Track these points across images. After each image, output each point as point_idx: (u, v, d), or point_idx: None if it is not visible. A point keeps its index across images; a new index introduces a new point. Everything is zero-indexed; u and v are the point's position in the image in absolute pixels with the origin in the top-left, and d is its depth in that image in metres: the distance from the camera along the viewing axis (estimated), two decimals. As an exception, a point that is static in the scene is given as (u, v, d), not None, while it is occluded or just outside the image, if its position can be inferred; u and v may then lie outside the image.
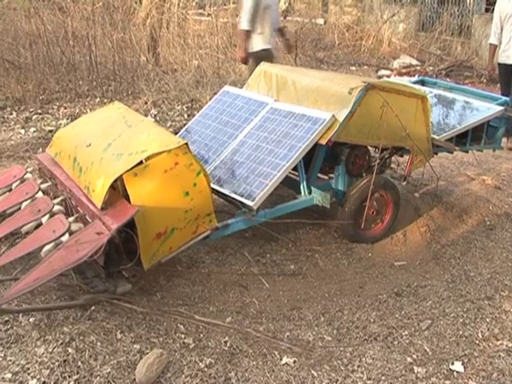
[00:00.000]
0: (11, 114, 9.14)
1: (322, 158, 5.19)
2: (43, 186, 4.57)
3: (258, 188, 4.53)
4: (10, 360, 3.25)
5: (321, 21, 17.35)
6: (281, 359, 3.53)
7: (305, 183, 5.05)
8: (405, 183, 5.74)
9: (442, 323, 4.05)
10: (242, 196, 4.58)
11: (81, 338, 3.46)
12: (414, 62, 14.60)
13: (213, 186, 4.65)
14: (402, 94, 5.07)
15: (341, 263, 5.02)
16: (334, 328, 4.01)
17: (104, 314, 3.78)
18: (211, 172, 4.92)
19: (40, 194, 4.45)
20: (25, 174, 4.77)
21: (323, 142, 4.73)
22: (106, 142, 4.34)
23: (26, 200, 4.43)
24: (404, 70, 13.77)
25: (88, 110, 9.21)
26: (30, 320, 3.63)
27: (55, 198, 4.41)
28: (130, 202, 3.87)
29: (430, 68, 13.96)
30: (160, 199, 3.91)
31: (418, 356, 3.68)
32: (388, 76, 13.34)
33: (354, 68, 14.12)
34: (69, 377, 3.15)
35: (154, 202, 3.87)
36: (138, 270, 4.03)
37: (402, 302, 4.37)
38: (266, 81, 5.68)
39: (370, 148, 5.36)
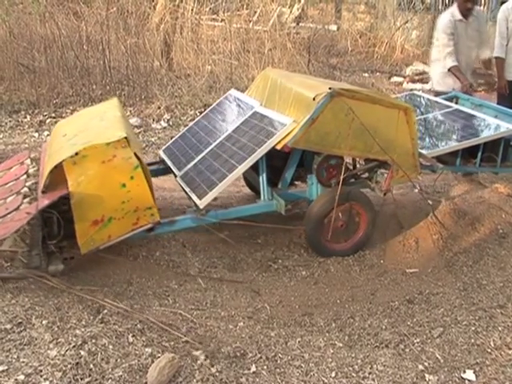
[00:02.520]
0: (25, 117, 9.22)
1: (295, 164, 5.12)
2: (31, 171, 4.80)
3: (210, 188, 4.62)
4: (23, 362, 3.26)
5: (334, 27, 17.35)
6: (291, 365, 3.53)
7: (265, 188, 4.99)
8: (385, 194, 5.45)
9: (453, 331, 4.02)
10: (196, 195, 4.68)
11: (93, 340, 3.47)
12: (427, 68, 14.54)
13: (181, 183, 4.96)
14: (378, 104, 4.83)
15: (352, 270, 5.01)
16: (345, 334, 4.00)
17: (116, 317, 3.80)
18: (189, 170, 5.05)
19: (24, 177, 4.67)
20: (26, 159, 5.01)
21: (279, 147, 4.69)
22: (74, 133, 4.67)
23: (12, 181, 4.70)
24: (417, 77, 13.75)
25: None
26: (43, 322, 3.65)
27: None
28: None
29: (443, 75, 13.89)
30: (96, 188, 4.15)
31: (429, 364, 3.65)
32: (401, 83, 13.36)
33: (366, 75, 14.10)
34: (81, 379, 3.15)
35: (90, 190, 4.12)
36: (77, 254, 4.27)
37: (413, 310, 4.36)
38: (263, 85, 5.70)
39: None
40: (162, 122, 9.33)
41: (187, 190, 4.85)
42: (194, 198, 4.68)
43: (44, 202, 4.07)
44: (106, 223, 4.20)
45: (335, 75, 12.75)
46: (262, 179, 4.99)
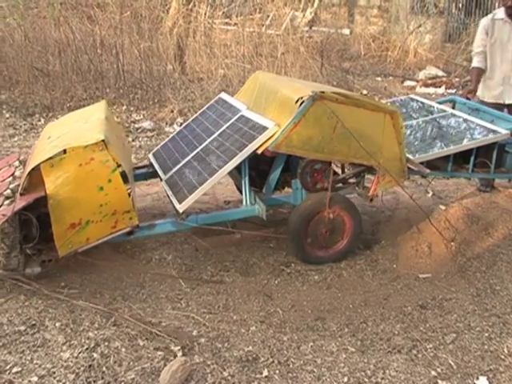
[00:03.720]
0: (39, 120, 9.28)
1: (279, 169, 5.04)
2: (17, 173, 4.78)
3: (190, 192, 4.59)
4: (37, 363, 3.29)
5: (347, 31, 17.35)
6: (303, 369, 3.53)
7: (247, 192, 4.94)
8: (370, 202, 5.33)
9: (467, 337, 4.00)
10: (176, 199, 4.65)
11: (106, 343, 3.49)
12: (440, 73, 14.54)
13: (165, 186, 4.93)
14: (362, 107, 4.72)
15: (365, 274, 5.00)
16: (357, 339, 3.99)
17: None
18: (173, 173, 5.03)
19: (9, 179, 4.67)
20: (15, 161, 4.98)
21: (260, 151, 4.64)
22: (57, 136, 4.70)
23: None
24: (430, 81, 13.72)
25: (115, 118, 9.29)
26: (56, 324, 3.68)
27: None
28: None
29: (456, 79, 13.87)
30: (74, 191, 4.15)
31: (442, 370, 3.64)
32: (414, 87, 13.33)
33: (379, 79, 14.09)
34: (94, 382, 3.17)
35: (67, 193, 4.13)
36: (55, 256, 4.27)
37: (426, 315, 4.33)
38: (252, 88, 5.65)
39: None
40: (174, 126, 9.36)
41: (169, 193, 4.81)
42: (174, 201, 4.64)
43: (20, 204, 4.08)
44: (84, 226, 4.20)
45: (348, 79, 12.73)
46: (245, 183, 4.93)
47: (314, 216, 4.92)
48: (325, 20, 17.85)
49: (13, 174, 4.65)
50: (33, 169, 4.23)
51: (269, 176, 5.08)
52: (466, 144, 5.37)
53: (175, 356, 3.44)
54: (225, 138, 5.03)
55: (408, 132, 5.84)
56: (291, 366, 3.54)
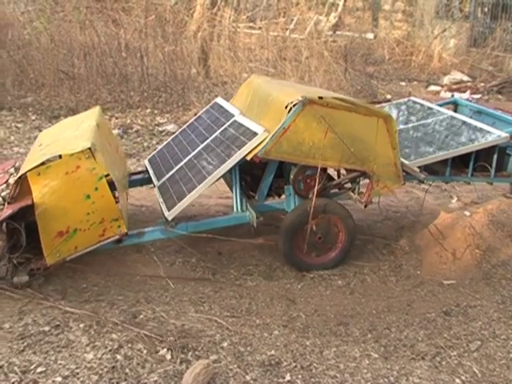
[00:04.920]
0: (64, 123, 9.32)
1: (272, 175, 4.99)
2: (11, 180, 4.77)
3: (179, 199, 4.57)
4: (60, 364, 3.31)
5: (370, 35, 17.28)
6: (326, 374, 3.51)
7: (238, 199, 4.89)
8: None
9: (491, 345, 3.97)
10: (166, 206, 4.64)
11: (129, 345, 3.50)
12: (465, 78, 14.42)
13: (157, 193, 4.92)
14: (354, 112, 4.63)
15: (389, 280, 4.97)
16: (381, 345, 3.97)
17: (152, 322, 3.83)
18: (166, 180, 5.01)
19: (3, 186, 4.67)
20: (10, 168, 4.99)
21: (249, 157, 4.59)
22: (47, 143, 4.71)
23: None
24: (454, 86, 13.62)
25: (139, 121, 9.36)
26: (80, 325, 3.70)
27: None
28: None
29: (481, 84, 13.75)
30: (61, 199, 4.15)
31: (466, 378, 3.61)
32: (438, 92, 13.25)
33: (403, 83, 14.02)
34: (117, 383, 3.18)
35: (54, 202, 4.13)
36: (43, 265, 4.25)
37: (450, 322, 4.31)
38: (247, 93, 5.59)
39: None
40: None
41: (160, 200, 4.80)
42: (164, 209, 4.63)
43: (5, 213, 4.09)
44: (72, 234, 4.20)
45: (372, 84, 12.68)
46: (235, 190, 4.89)
47: (308, 223, 4.82)
48: (349, 24, 17.79)
49: (6, 182, 4.65)
50: (20, 177, 4.24)
51: (261, 182, 5.03)
52: (464, 148, 5.28)
53: (198, 359, 3.44)
54: (217, 143, 4.99)
55: (404, 135, 5.77)
56: (314, 370, 3.53)
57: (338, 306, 4.53)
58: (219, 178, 4.73)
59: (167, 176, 5.06)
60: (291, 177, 4.87)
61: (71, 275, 4.53)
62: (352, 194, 5.11)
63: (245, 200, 4.95)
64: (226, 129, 5.11)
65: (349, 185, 5.22)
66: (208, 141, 5.13)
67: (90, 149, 4.18)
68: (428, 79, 14.47)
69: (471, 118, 6.01)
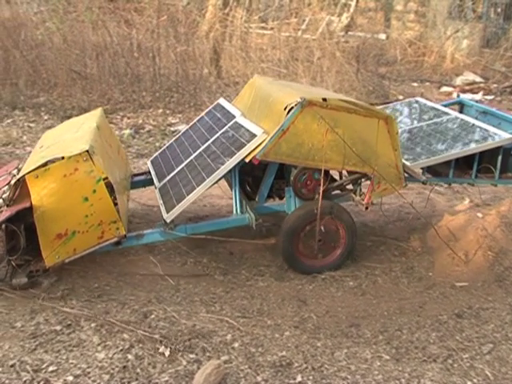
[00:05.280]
0: (77, 122, 9.35)
1: (272, 176, 4.96)
2: (12, 182, 4.76)
3: (178, 202, 4.56)
4: (72, 363, 3.33)
5: (383, 36, 17.23)
6: (337, 376, 3.50)
7: (237, 201, 4.85)
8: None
9: (504, 348, 3.94)
10: (165, 208, 4.63)
11: (140, 345, 3.52)
12: (478, 79, 14.36)
13: (157, 195, 4.92)
14: (354, 113, 4.59)
15: (400, 282, 4.95)
16: (392, 347, 3.95)
17: (163, 322, 3.83)
18: (167, 181, 5.01)
19: (5, 187, 4.68)
20: (14, 169, 4.99)
21: (248, 159, 4.56)
22: (47, 145, 4.74)
23: None
24: (467, 87, 13.56)
25: (151, 121, 9.38)
26: (92, 325, 3.72)
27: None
28: None
29: (494, 85, 13.69)
30: (59, 202, 4.17)
31: (478, 380, 3.58)
32: (450, 93, 13.19)
33: (415, 84, 13.97)
34: (128, 383, 3.19)
35: (53, 204, 4.15)
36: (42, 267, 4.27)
37: (462, 324, 4.28)
38: (249, 94, 5.56)
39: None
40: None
41: (160, 202, 4.79)
42: (163, 211, 4.63)
43: (4, 215, 4.10)
44: (70, 237, 4.22)
45: (384, 84, 12.65)
46: (235, 192, 4.85)
47: (306, 225, 4.80)
48: (361, 25, 17.73)
49: (9, 183, 4.66)
50: (18, 180, 4.26)
51: (261, 184, 5.01)
52: (467, 149, 5.22)
53: (209, 359, 3.44)
54: (217, 145, 4.97)
55: (407, 136, 5.73)
56: (325, 372, 3.52)
57: (350, 308, 4.52)
58: (218, 180, 4.72)
59: (168, 178, 5.06)
60: (291, 178, 4.85)
61: (83, 275, 4.55)
62: (354, 195, 5.07)
63: (244, 202, 4.94)
64: (226, 130, 5.10)
65: (350, 186, 5.19)
66: (209, 142, 5.12)
67: (87, 151, 4.20)
68: (440, 80, 14.41)
69: (477, 118, 5.95)
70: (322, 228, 4.78)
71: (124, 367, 3.30)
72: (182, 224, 4.74)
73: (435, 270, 5.14)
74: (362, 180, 5.03)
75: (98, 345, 3.50)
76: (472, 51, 16.01)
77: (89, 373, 3.24)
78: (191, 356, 3.48)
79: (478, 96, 12.94)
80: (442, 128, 5.72)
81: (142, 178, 5.68)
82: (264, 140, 4.52)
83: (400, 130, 5.68)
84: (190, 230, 4.72)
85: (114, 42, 10.98)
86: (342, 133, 4.57)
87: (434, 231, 5.42)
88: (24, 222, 4.26)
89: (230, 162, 4.57)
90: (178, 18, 11.88)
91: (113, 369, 3.28)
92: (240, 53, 11.76)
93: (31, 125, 9.23)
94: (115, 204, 4.37)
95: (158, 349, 3.50)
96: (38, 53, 10.92)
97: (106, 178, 4.33)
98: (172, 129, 9.37)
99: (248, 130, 4.77)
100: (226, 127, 5.14)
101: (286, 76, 11.24)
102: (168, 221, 4.55)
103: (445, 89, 13.68)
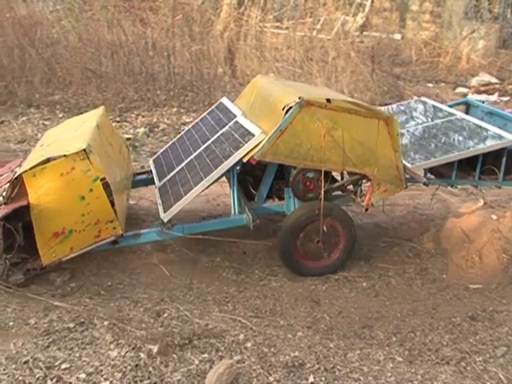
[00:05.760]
0: (91, 121, 9.39)
1: (272, 177, 4.93)
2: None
3: (175, 201, 4.55)
4: (85, 361, 3.34)
5: (398, 36, 17.16)
6: (349, 377, 3.49)
7: (235, 201, 4.82)
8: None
9: (518, 351, 3.91)
10: (163, 207, 4.63)
11: (152, 343, 3.51)
12: (494, 79, 14.26)
13: (156, 194, 4.92)
14: (354, 114, 4.54)
15: (414, 283, 4.93)
16: (405, 349, 3.93)
17: (176, 321, 3.84)
18: (167, 181, 5.00)
19: (6, 185, 4.65)
20: (16, 167, 4.98)
21: (245, 159, 4.53)
22: (47, 144, 4.77)
23: None
24: (482, 88, 13.48)
25: (165, 120, 9.40)
26: (105, 323, 3.72)
27: None
28: None
29: (510, 86, 13.60)
30: (56, 200, 4.19)
31: (492, 384, 3.56)
32: (466, 94, 13.12)
33: (430, 85, 13.90)
34: (140, 381, 3.19)
35: (50, 203, 4.17)
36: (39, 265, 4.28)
37: (476, 327, 4.25)
38: (250, 94, 5.54)
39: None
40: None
41: (158, 201, 4.79)
42: (160, 210, 4.63)
43: (1, 213, 4.12)
44: (67, 235, 4.24)
45: (399, 85, 12.60)
46: (233, 192, 4.83)
47: (307, 226, 4.77)
48: (376, 25, 17.65)
49: (10, 181, 4.67)
50: (16, 178, 4.28)
51: (261, 184, 4.98)
52: (470, 150, 5.13)
53: (221, 359, 3.44)
54: (216, 145, 4.95)
55: (409, 137, 5.67)
56: (337, 373, 3.51)
57: (363, 309, 4.50)
58: (216, 180, 4.71)
59: (168, 177, 5.07)
60: (290, 179, 4.81)
61: (96, 272, 4.58)
62: (354, 197, 5.02)
63: (243, 202, 4.91)
64: (227, 130, 5.09)
65: (350, 188, 5.14)
66: (209, 142, 5.12)
67: (84, 150, 4.21)
68: (456, 81, 14.32)
69: (482, 119, 5.88)
70: (325, 229, 4.76)
71: (136, 365, 3.30)
72: (179, 224, 4.72)
73: (449, 271, 5.12)
74: (363, 181, 4.97)
75: (111, 343, 3.51)
76: (488, 52, 15.90)
77: (101, 371, 3.25)
78: (204, 355, 3.48)
79: (494, 97, 12.86)
80: (445, 129, 5.66)
81: (144, 177, 5.69)
82: (262, 140, 4.49)
83: (403, 131, 5.66)
84: (188, 229, 4.71)
85: (128, 40, 11.02)
86: (341, 133, 4.53)
87: (448, 233, 5.40)
88: (22, 220, 4.29)
89: (228, 162, 4.56)
90: (192, 17, 11.89)
91: (125, 367, 3.28)
92: (255, 52, 11.75)
93: (46, 122, 9.27)
94: (112, 203, 4.38)
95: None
96: (54, 51, 10.98)
97: (104, 177, 4.33)
98: (186, 128, 9.37)
99: (247, 130, 4.76)
100: (227, 127, 5.14)
101: (300, 76, 11.22)
102: (165, 220, 4.55)
103: (460, 89, 13.60)
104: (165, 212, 4.54)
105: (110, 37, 11.13)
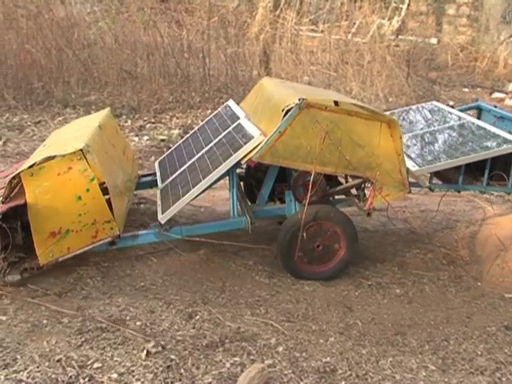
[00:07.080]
0: (126, 121, 9.51)
1: (272, 179, 4.88)
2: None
3: (174, 203, 4.53)
4: (117, 361, 3.35)
5: (434, 40, 17.00)
6: (381, 384, 3.46)
7: (235, 204, 4.77)
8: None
9: (554, 362, 3.84)
10: (161, 209, 4.61)
11: (184, 345, 3.52)
12: (532, 85, 14.06)
13: (157, 196, 4.92)
14: (356, 116, 4.46)
15: (448, 291, 4.87)
16: (438, 357, 3.88)
17: (208, 324, 3.84)
18: (168, 183, 4.99)
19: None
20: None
21: (244, 161, 4.50)
22: (49, 144, 4.81)
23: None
24: (519, 93, 13.30)
25: (199, 121, 9.42)
26: (137, 323, 3.74)
27: None
28: None
29: (548, 92, 13.40)
30: (53, 200, 4.20)
31: (527, 395, 3.50)
32: (503, 99, 12.95)
33: (466, 90, 13.75)
34: (171, 383, 3.20)
35: (46, 202, 4.18)
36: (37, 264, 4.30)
37: (511, 337, 4.18)
38: (255, 96, 5.50)
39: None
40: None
41: (158, 203, 4.78)
42: (159, 212, 4.62)
43: None
44: (64, 235, 4.25)
45: (434, 89, 12.49)
46: (232, 195, 4.77)
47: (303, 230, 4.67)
48: (412, 29, 17.53)
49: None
50: (14, 177, 4.31)
51: (262, 187, 4.95)
52: (477, 155, 5.03)
53: (252, 362, 3.43)
54: (218, 147, 4.94)
55: (417, 141, 5.60)
56: (369, 380, 3.47)
57: (396, 315, 4.46)
58: (215, 182, 4.71)
59: (170, 179, 5.07)
60: (291, 182, 4.77)
61: (129, 273, 4.60)
62: (357, 201, 4.96)
63: (243, 204, 4.90)
64: (229, 132, 5.08)
65: (353, 191, 5.10)
66: (211, 144, 5.11)
67: (81, 150, 4.23)
68: (492, 86, 14.14)
69: (494, 124, 5.78)
70: (314, 234, 4.72)
71: (168, 367, 3.31)
72: (177, 225, 4.73)
73: (484, 279, 5.05)
74: (365, 185, 4.90)
75: (143, 343, 3.52)
76: (526, 57, 15.69)
77: (133, 371, 3.26)
78: (235, 358, 3.48)
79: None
80: (454, 133, 5.59)
81: (149, 178, 5.71)
82: (261, 142, 4.45)
83: (411, 134, 5.61)
84: (186, 231, 4.69)
85: (164, 42, 11.09)
86: (341, 136, 4.46)
87: (483, 240, 5.33)
88: (21, 219, 4.33)
89: (226, 164, 4.54)
90: (228, 20, 11.94)
91: (157, 368, 3.29)
92: (290, 55, 11.74)
93: (82, 123, 9.37)
94: (110, 204, 4.39)
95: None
96: (90, 52, 11.12)
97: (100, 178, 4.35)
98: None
99: (247, 132, 4.75)
100: (230, 129, 5.13)
101: (335, 79, 11.20)
102: (162, 222, 4.54)
103: (497, 95, 13.43)
104: (163, 213, 4.55)
105: (146, 38, 11.24)
